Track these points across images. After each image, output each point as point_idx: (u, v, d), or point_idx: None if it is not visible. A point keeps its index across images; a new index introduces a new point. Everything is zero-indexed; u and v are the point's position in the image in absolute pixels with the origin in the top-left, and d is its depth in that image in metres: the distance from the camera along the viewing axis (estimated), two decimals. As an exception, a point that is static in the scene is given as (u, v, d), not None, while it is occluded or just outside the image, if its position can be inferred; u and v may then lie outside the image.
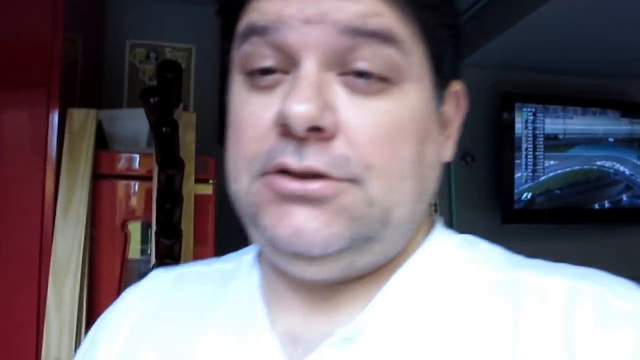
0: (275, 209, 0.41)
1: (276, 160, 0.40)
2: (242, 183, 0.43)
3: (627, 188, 2.39)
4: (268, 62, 0.41)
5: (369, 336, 0.43)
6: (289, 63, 0.41)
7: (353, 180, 0.40)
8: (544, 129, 2.25)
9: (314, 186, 0.39)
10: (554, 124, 2.27)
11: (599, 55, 2.15)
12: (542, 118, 2.25)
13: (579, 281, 0.42)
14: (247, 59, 0.42)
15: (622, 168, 2.38)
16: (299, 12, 0.39)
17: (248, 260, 0.53)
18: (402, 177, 0.41)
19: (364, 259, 0.43)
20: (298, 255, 0.41)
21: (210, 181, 1.49)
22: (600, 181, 2.34)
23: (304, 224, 0.40)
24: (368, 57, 0.40)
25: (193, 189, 1.44)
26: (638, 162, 2.41)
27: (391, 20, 0.40)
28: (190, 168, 1.43)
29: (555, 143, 2.26)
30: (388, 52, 0.40)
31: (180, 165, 1.31)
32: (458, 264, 0.47)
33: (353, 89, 0.40)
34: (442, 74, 0.45)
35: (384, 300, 0.45)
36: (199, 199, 1.46)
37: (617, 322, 0.39)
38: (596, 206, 2.35)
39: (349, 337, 0.43)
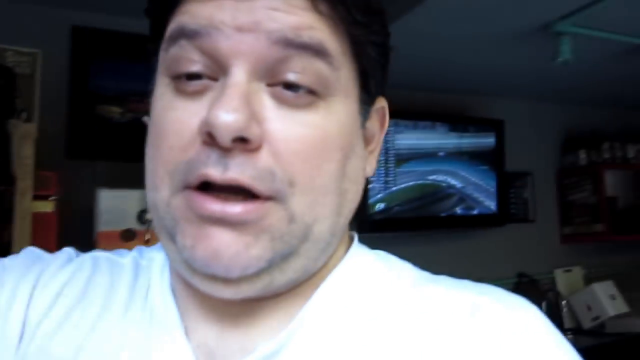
0: (195, 228, 0.39)
1: (199, 171, 0.38)
2: (161, 194, 0.41)
3: (460, 200, 2.58)
4: (196, 67, 0.40)
5: (293, 351, 0.42)
6: (217, 70, 0.39)
7: (275, 198, 0.39)
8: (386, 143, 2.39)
9: (235, 210, 0.38)
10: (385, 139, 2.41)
11: (427, 71, 2.34)
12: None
13: (479, 296, 0.45)
14: (174, 62, 0.41)
15: (453, 181, 2.57)
16: (232, 19, 0.38)
17: (160, 261, 0.49)
18: (324, 192, 0.41)
19: (284, 277, 0.42)
20: (215, 277, 0.40)
21: (51, 198, 1.37)
22: (435, 195, 2.50)
23: (223, 247, 0.38)
24: (298, 69, 0.39)
25: (30, 206, 1.32)
26: (467, 175, 2.61)
27: (324, 34, 0.40)
28: (26, 184, 1.31)
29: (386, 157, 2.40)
30: (318, 66, 0.40)
31: (10, 180, 1.19)
32: (377, 278, 0.47)
33: (281, 101, 0.40)
34: (369, 90, 0.45)
35: (308, 314, 0.44)
36: (37, 217, 1.33)
37: (511, 334, 0.42)
38: (443, 214, 2.52)
39: (273, 353, 0.42)
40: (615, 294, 2.79)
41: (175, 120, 0.40)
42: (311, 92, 0.40)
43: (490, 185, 2.66)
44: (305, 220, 0.40)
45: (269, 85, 0.40)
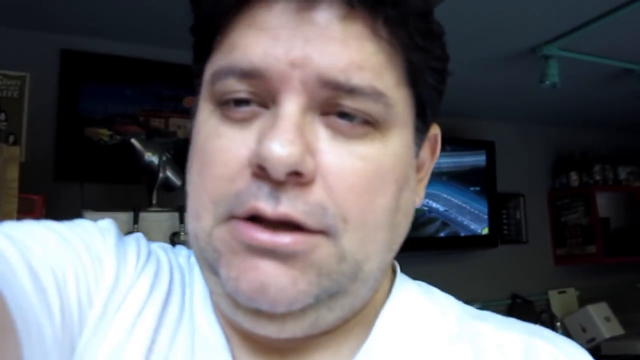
0: (241, 260, 0.37)
1: (248, 204, 0.36)
2: (204, 224, 0.38)
3: (444, 225, 2.56)
4: (245, 95, 0.37)
5: None
6: (268, 97, 0.37)
7: (327, 233, 0.37)
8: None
9: (285, 240, 0.36)
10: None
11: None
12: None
13: (532, 338, 0.44)
14: (220, 91, 0.38)
15: (435, 205, 2.55)
16: (285, 53, 0.36)
17: (200, 282, 0.46)
18: (377, 228, 0.39)
19: (331, 315, 0.39)
20: (259, 312, 0.37)
21: (36, 221, 1.36)
22: (417, 220, 2.48)
23: (270, 280, 0.36)
24: (351, 108, 0.37)
25: (14, 229, 1.30)
26: (449, 197, 2.60)
27: (374, 73, 0.37)
28: (11, 207, 1.29)
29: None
30: (371, 106, 0.37)
31: (-8, 204, 1.17)
32: (426, 314, 0.46)
33: (335, 131, 0.37)
34: (425, 119, 0.43)
35: (364, 356, 0.42)
36: (22, 240, 1.31)
37: None
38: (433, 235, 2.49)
39: None
40: (609, 316, 2.77)
41: (222, 149, 0.38)
42: (366, 122, 0.38)
43: (482, 206, 2.66)
44: (356, 258, 0.38)
45: (323, 114, 0.38)
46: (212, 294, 0.43)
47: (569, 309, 2.91)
